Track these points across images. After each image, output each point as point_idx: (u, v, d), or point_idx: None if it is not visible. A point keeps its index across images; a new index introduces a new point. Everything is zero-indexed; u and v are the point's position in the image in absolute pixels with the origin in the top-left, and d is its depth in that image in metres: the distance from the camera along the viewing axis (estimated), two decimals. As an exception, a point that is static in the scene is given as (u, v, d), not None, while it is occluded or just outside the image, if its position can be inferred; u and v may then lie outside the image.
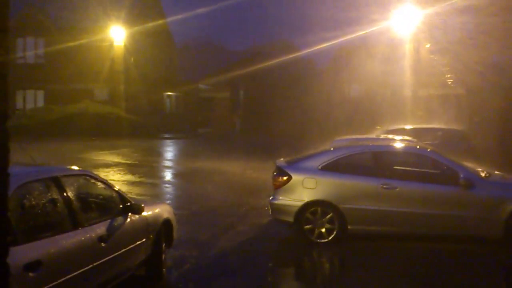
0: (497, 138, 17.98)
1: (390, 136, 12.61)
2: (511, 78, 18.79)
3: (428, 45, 23.17)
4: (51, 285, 3.99)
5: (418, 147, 9.20)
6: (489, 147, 16.65)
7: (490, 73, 19.64)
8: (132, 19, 30.83)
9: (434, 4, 21.44)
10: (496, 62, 19.83)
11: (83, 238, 4.52)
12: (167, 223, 6.30)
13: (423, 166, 8.32)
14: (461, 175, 7.75)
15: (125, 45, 30.55)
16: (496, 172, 8.88)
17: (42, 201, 4.31)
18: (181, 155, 22.80)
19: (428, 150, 8.66)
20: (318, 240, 7.81)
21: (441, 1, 21.07)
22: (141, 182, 13.71)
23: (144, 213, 5.62)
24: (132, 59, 31.56)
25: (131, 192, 11.09)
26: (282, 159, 8.86)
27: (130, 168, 16.29)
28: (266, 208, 9.36)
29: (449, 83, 22.62)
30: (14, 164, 2.72)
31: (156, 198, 11.37)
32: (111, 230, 4.98)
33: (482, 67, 19.94)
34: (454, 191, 7.74)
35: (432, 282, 6.56)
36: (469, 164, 8.69)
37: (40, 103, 31.52)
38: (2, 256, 2.21)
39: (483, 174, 8.16)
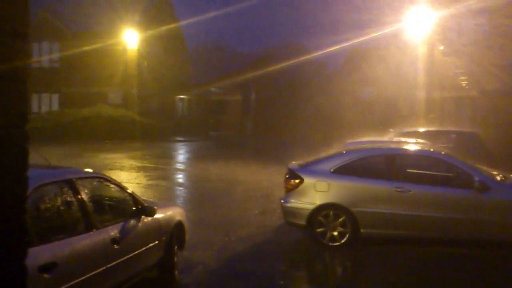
0: (512, 141, 17.77)
1: (404, 139, 12.53)
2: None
3: (442, 47, 23.02)
4: (65, 286, 4.03)
5: (432, 150, 9.13)
6: (504, 150, 16.46)
7: (505, 75, 19.45)
8: (145, 23, 31.06)
9: (448, 6, 21.31)
10: (510, 64, 19.62)
11: (96, 240, 4.56)
12: (179, 225, 6.32)
13: (437, 169, 8.23)
14: (476, 178, 7.66)
15: (138, 49, 30.79)
16: (512, 175, 8.78)
17: (57, 203, 4.36)
18: (193, 158, 22.88)
19: (442, 153, 8.59)
20: (330, 244, 7.79)
21: (455, 3, 20.93)
22: (154, 184, 13.77)
23: (157, 216, 5.65)
24: (145, 62, 31.78)
25: (143, 195, 11.15)
26: (294, 162, 8.85)
27: (143, 170, 16.38)
28: (278, 211, 9.35)
29: (464, 85, 22.43)
30: (29, 167, 2.76)
31: (168, 200, 11.42)
32: (124, 232, 5.01)
33: (497, 69, 19.76)
34: (468, 194, 7.66)
35: (445, 287, 6.50)
36: (484, 167, 8.60)
37: (55, 106, 31.87)
38: (20, 258, 2.24)
39: (498, 178, 8.07)
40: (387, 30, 25.09)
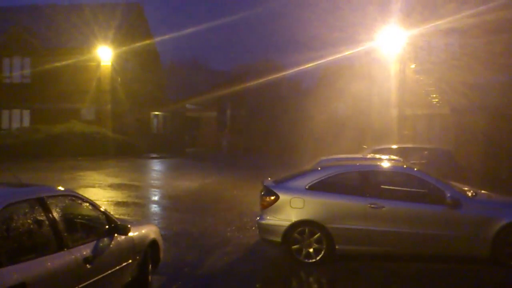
0: (482, 157, 18.18)
1: (377, 156, 12.68)
2: (494, 99, 19.10)
3: (413, 66, 23.52)
4: (35, 308, 3.91)
5: (405, 166, 9.25)
6: (475, 166, 16.81)
7: (473, 94, 19.95)
8: (119, 39, 30.89)
9: (418, 25, 21.84)
10: (479, 83, 20.15)
11: (68, 260, 4.46)
12: (153, 244, 6.24)
13: (410, 185, 8.33)
14: (448, 195, 7.79)
15: (112, 65, 30.54)
16: (483, 191, 8.96)
17: (27, 222, 4.26)
18: (168, 175, 22.68)
19: (415, 169, 8.71)
20: (306, 260, 7.78)
21: (425, 23, 21.47)
22: (128, 202, 13.58)
23: (131, 234, 5.57)
24: (119, 79, 31.53)
25: (117, 213, 10.98)
26: (269, 178, 8.85)
27: (116, 188, 16.14)
28: (254, 228, 9.32)
29: (435, 102, 22.92)
30: (-1, 185, 2.69)
31: (142, 218, 11.27)
32: (96, 251, 4.92)
33: (465, 87, 20.26)
34: (441, 210, 7.78)
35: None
36: (456, 184, 8.76)
37: (26, 123, 31.26)
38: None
39: (469, 193, 8.22)
40: (360, 48, 25.57)
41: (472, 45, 20.32)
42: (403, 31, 21.86)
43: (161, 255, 6.50)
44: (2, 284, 3.58)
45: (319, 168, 8.89)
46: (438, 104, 22.81)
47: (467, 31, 20.49)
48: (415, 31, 21.99)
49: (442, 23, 20.70)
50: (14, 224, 4.11)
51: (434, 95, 22.82)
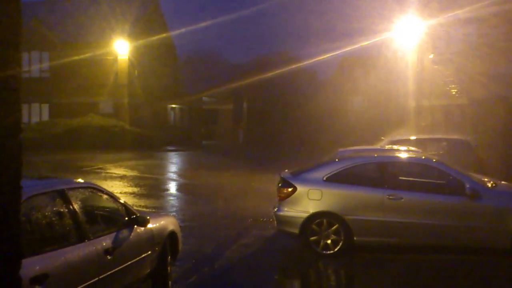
0: (502, 148, 17.92)
1: (395, 147, 12.58)
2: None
3: (431, 56, 23.23)
4: (57, 298, 3.98)
5: (423, 157, 9.16)
6: (494, 156, 16.59)
7: (493, 84, 19.66)
8: (136, 33, 31.06)
9: (437, 15, 21.54)
10: (499, 73, 19.83)
11: (89, 251, 4.52)
12: (172, 235, 6.29)
13: (428, 176, 8.26)
14: (467, 186, 7.70)
15: (129, 59, 30.74)
16: (503, 182, 8.84)
17: (48, 214, 4.32)
18: (186, 168, 22.81)
19: (434, 160, 8.63)
20: (324, 252, 7.78)
21: (444, 12, 21.17)
22: (146, 194, 13.70)
23: (150, 226, 5.62)
24: (136, 72, 31.74)
25: (136, 205, 11.09)
26: (286, 170, 8.85)
27: (135, 180, 16.29)
28: (271, 220, 9.33)
29: (453, 93, 22.63)
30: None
31: (161, 210, 11.36)
32: (116, 242, 4.97)
33: (485, 78, 19.97)
34: (460, 201, 7.70)
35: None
36: (475, 174, 8.66)
37: (45, 116, 31.68)
38: (15, 269, 2.21)
39: (489, 184, 8.12)
40: (377, 39, 25.32)
41: (491, 35, 19.99)
42: (421, 21, 21.58)
43: (180, 246, 6.55)
44: (24, 274, 3.64)
45: (337, 160, 8.85)
46: (456, 95, 22.53)
47: (486, 20, 20.16)
48: (434, 21, 21.69)
49: (461, 12, 20.39)
50: (36, 216, 4.17)
51: (453, 86, 22.53)
